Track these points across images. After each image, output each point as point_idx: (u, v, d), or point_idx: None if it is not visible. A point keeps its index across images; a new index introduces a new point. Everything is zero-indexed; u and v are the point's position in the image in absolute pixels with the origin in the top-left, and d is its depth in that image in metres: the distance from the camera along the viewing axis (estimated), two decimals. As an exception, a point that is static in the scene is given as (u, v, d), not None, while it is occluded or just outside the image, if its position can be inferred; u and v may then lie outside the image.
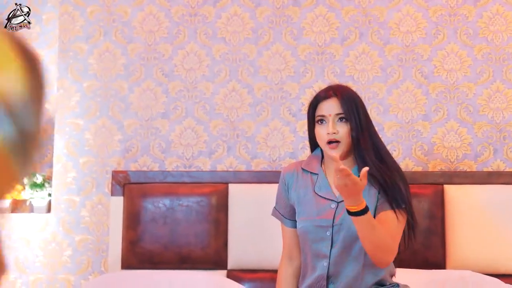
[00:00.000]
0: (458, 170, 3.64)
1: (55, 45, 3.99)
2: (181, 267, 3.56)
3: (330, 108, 2.61)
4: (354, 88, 3.66)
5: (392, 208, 2.58)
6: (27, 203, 3.88)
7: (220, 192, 3.63)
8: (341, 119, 2.60)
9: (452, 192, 3.52)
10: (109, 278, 3.42)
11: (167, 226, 3.61)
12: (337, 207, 2.62)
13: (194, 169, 3.78)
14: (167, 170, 3.77)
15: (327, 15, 3.80)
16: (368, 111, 3.51)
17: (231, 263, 3.59)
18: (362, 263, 2.61)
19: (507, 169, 3.63)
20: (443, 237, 3.50)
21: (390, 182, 2.61)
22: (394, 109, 3.72)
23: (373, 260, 2.55)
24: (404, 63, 3.74)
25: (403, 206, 2.61)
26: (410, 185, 3.46)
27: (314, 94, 3.65)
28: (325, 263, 2.61)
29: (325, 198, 2.66)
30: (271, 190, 3.52)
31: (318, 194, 2.68)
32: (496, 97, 3.67)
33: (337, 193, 2.63)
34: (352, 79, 3.75)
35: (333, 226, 2.61)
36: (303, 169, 2.75)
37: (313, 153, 2.77)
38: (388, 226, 2.55)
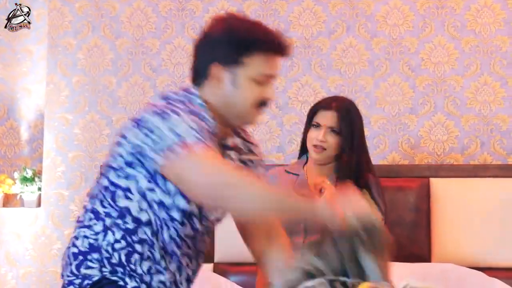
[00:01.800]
0: (445, 163, 3.63)
1: (45, 41, 4.01)
2: (168, 260, 3.58)
3: (328, 119, 2.71)
4: (340, 82, 3.71)
5: None
6: (18, 197, 3.92)
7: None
8: (333, 131, 2.70)
9: (438, 185, 3.52)
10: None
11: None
12: None
13: (181, 163, 3.79)
14: (154, 164, 3.79)
15: (314, 8, 3.80)
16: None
17: (218, 256, 3.61)
18: None
19: (494, 162, 3.62)
20: (429, 231, 3.49)
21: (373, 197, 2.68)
22: (381, 102, 3.72)
23: None
24: (391, 56, 3.74)
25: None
26: (395, 179, 3.52)
27: (301, 87, 3.70)
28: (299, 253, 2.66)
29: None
30: (258, 184, 3.55)
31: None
32: (483, 90, 3.66)
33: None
34: (339, 73, 3.75)
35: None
36: (286, 171, 2.87)
37: (300, 158, 2.88)
38: None
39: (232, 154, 2.07)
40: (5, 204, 3.95)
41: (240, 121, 2.02)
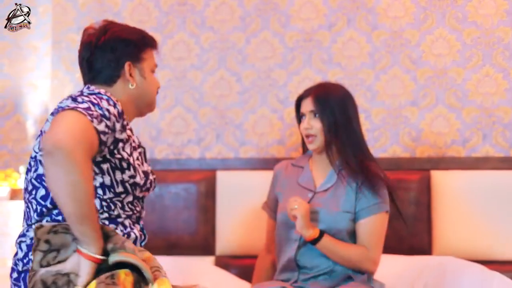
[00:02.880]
0: (446, 156, 3.62)
1: (50, 37, 4.05)
2: (170, 253, 3.61)
3: (306, 105, 2.79)
4: (341, 75, 3.71)
5: (369, 215, 2.66)
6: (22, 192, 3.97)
7: (208, 180, 3.67)
8: (315, 115, 2.75)
9: (439, 178, 3.51)
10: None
11: (156, 213, 3.67)
12: (313, 196, 2.73)
13: (183, 157, 3.83)
14: (156, 158, 3.82)
15: (314, 1, 3.80)
16: (356, 98, 3.52)
17: (219, 250, 3.64)
18: None
19: (496, 155, 3.59)
20: (429, 224, 3.49)
21: (366, 188, 2.68)
22: (382, 96, 3.71)
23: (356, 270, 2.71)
24: (392, 49, 3.72)
25: (382, 211, 2.67)
26: (396, 172, 3.52)
27: (301, 81, 3.73)
28: (294, 246, 2.71)
29: (304, 187, 2.81)
30: (258, 177, 3.58)
31: (299, 184, 2.85)
32: (485, 82, 3.64)
33: (318, 184, 2.75)
34: (339, 66, 3.75)
35: None
36: (292, 164, 2.94)
37: (306, 153, 2.95)
38: (365, 237, 2.70)
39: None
40: (12, 198, 4.00)
41: (149, 108, 2.43)
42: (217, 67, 3.85)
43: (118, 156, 2.15)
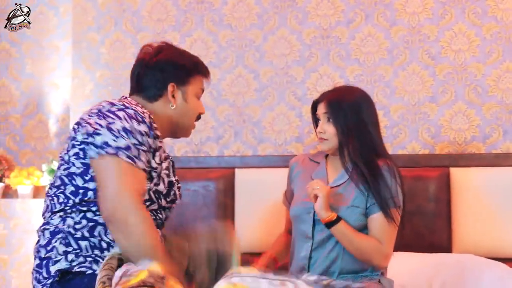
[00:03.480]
0: (466, 152, 3.58)
1: (71, 37, 4.10)
2: (189, 250, 3.63)
3: (321, 109, 2.81)
4: (359, 72, 3.69)
5: (381, 210, 2.65)
6: (46, 188, 4.02)
7: (227, 177, 3.68)
8: (328, 119, 2.76)
9: (458, 175, 3.47)
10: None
11: (175, 211, 3.66)
12: None
13: (202, 155, 3.84)
14: (175, 155, 3.84)
15: (332, -2, 3.79)
16: (374, 94, 3.52)
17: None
18: (342, 248, 2.66)
19: (517, 151, 3.55)
20: (449, 221, 3.45)
21: (373, 185, 2.67)
22: (401, 92, 3.69)
23: (367, 264, 2.70)
24: (410, 45, 3.69)
25: (393, 207, 2.66)
26: (415, 169, 3.49)
27: (319, 78, 3.72)
28: (309, 244, 2.71)
29: None
30: (277, 175, 3.57)
31: (313, 179, 2.83)
32: (505, 77, 3.59)
33: (331, 180, 2.75)
34: (357, 62, 3.73)
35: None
36: (309, 158, 2.96)
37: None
38: (377, 231, 2.68)
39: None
40: (34, 196, 4.06)
41: (184, 132, 2.52)
42: (235, 65, 3.86)
43: (147, 164, 2.22)
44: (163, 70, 2.40)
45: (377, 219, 2.67)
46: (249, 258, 3.58)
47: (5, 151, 4.15)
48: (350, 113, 2.72)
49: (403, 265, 3.22)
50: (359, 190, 2.70)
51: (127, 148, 2.14)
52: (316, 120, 2.86)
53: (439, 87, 3.65)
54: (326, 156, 2.88)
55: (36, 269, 2.21)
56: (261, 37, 3.84)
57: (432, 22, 3.68)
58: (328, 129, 2.74)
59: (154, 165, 2.24)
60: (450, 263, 3.17)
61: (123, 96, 2.42)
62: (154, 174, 2.25)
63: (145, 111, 2.28)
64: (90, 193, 2.19)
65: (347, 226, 2.64)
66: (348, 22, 3.77)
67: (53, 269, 2.15)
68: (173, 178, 2.38)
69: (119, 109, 2.20)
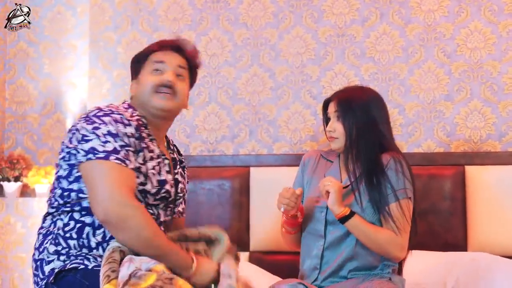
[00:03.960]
0: (481, 150, 3.57)
1: (88, 36, 4.13)
2: (205, 249, 3.65)
3: (331, 108, 2.82)
4: (374, 70, 3.69)
5: (391, 203, 2.65)
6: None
7: (242, 176, 3.69)
8: (338, 118, 2.77)
9: (474, 173, 3.46)
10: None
11: (190, 209, 3.68)
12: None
13: (217, 153, 3.86)
14: (191, 154, 3.86)
15: (347, -4, 3.79)
16: (389, 92, 3.52)
17: (253, 245, 3.66)
18: (354, 246, 2.66)
19: (533, 149, 3.53)
20: (464, 219, 3.44)
21: (381, 179, 2.69)
22: (416, 90, 3.68)
23: (384, 256, 2.70)
24: (426, 43, 3.69)
25: (404, 197, 2.65)
26: (430, 167, 3.49)
27: (335, 76, 3.72)
28: (321, 243, 2.71)
29: None
30: (292, 173, 3.56)
31: None
32: (522, 75, 3.58)
33: (344, 179, 2.75)
34: (373, 61, 3.73)
35: (327, 208, 2.73)
36: (322, 156, 2.95)
37: None
38: (389, 225, 2.67)
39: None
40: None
41: (150, 106, 2.40)
42: (250, 63, 3.87)
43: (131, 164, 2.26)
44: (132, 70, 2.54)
45: (391, 210, 2.67)
46: (263, 257, 3.62)
47: (23, 150, 4.19)
48: (359, 112, 2.73)
49: (418, 264, 3.22)
50: (366, 185, 2.70)
51: (115, 151, 2.18)
52: (327, 120, 2.86)
53: (454, 85, 3.63)
54: (339, 154, 2.89)
55: (34, 272, 2.28)
56: (276, 36, 3.85)
57: (448, 20, 3.67)
58: (337, 127, 2.75)
59: (136, 165, 2.27)
60: (465, 261, 3.16)
61: (125, 100, 2.49)
62: (137, 173, 2.27)
63: (135, 114, 2.35)
64: (73, 194, 2.24)
65: (361, 220, 2.64)
66: (363, 21, 3.77)
67: (46, 269, 2.21)
68: (165, 177, 2.40)
69: (105, 114, 2.25)
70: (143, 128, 2.34)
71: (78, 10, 4.20)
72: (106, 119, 2.23)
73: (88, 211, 2.22)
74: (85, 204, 2.23)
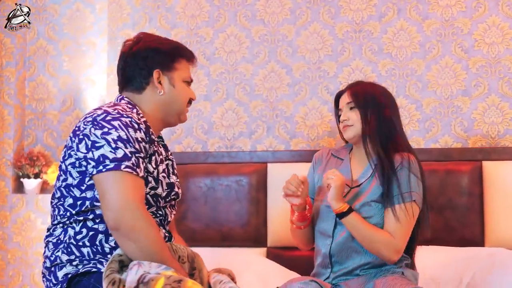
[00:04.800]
0: (499, 146, 3.56)
1: (106, 33, 4.16)
2: (222, 244, 3.67)
3: (343, 100, 2.82)
4: (391, 66, 3.69)
5: (396, 204, 2.63)
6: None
7: (259, 172, 3.71)
8: (351, 108, 2.76)
9: (491, 168, 3.45)
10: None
11: (208, 205, 3.73)
12: (348, 191, 2.72)
13: (235, 150, 3.88)
14: (209, 151, 3.89)
15: (364, -8, 3.79)
16: (406, 88, 3.53)
17: (271, 241, 3.67)
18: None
19: (551, 144, 3.52)
20: (482, 215, 3.43)
21: (390, 178, 2.65)
22: (433, 85, 3.67)
23: (377, 256, 2.68)
24: (443, 38, 3.68)
25: (409, 200, 2.63)
26: (447, 162, 3.48)
27: (352, 72, 3.73)
28: (328, 242, 2.71)
29: None
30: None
31: None
32: (540, 70, 3.56)
33: (355, 177, 2.75)
34: (390, 56, 3.73)
35: None
36: (332, 154, 2.94)
37: (346, 145, 2.95)
38: (390, 225, 2.65)
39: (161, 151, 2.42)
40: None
41: (177, 118, 2.46)
42: (268, 60, 3.89)
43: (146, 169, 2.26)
44: (145, 58, 2.39)
45: (390, 212, 2.66)
46: (281, 252, 3.63)
47: (43, 147, 4.23)
48: (371, 101, 2.73)
49: (434, 259, 3.22)
50: (378, 183, 2.70)
51: (126, 158, 2.16)
52: (338, 115, 2.85)
53: (472, 81, 3.63)
54: (350, 151, 2.88)
55: (46, 277, 2.28)
56: (293, 32, 3.86)
57: (465, 15, 3.66)
58: (351, 115, 2.74)
59: (150, 169, 2.27)
60: (481, 257, 3.15)
61: (119, 95, 2.44)
62: (150, 178, 2.27)
63: (140, 116, 2.31)
64: (87, 203, 2.22)
65: (358, 218, 2.62)
66: (380, 16, 3.77)
67: (60, 274, 2.21)
68: (173, 179, 2.42)
69: (114, 118, 2.21)
70: (151, 130, 2.33)
71: (97, 8, 4.23)
72: (115, 123, 2.19)
73: (102, 219, 2.20)
74: (98, 211, 2.21)
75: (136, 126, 2.23)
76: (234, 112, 3.91)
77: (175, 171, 2.52)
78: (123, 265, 2.11)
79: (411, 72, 3.70)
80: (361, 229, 2.62)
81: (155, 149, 2.32)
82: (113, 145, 2.15)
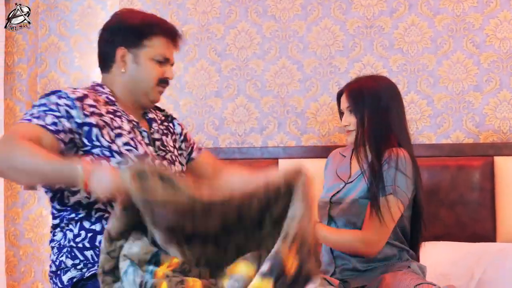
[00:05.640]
0: (510, 141, 3.55)
1: (118, 29, 4.18)
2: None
3: (343, 102, 2.85)
4: (403, 61, 3.69)
5: (374, 199, 2.62)
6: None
7: (270, 168, 3.71)
8: (350, 111, 2.79)
9: (503, 164, 3.45)
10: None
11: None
12: (343, 187, 2.75)
13: (246, 146, 3.89)
14: (220, 147, 3.90)
15: (375, -13, 3.79)
16: (418, 83, 3.53)
17: (282, 236, 3.67)
18: None
19: None
20: (493, 210, 3.43)
21: (375, 173, 2.65)
22: (445, 81, 3.67)
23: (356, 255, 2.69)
24: (454, 33, 3.67)
25: (385, 194, 2.61)
26: (459, 158, 3.48)
27: (363, 67, 3.73)
28: None
29: (339, 177, 2.86)
30: (320, 165, 3.58)
31: (337, 174, 2.90)
32: (552, 65, 3.55)
33: (353, 173, 2.77)
34: (401, 52, 3.73)
35: (330, 203, 2.79)
36: (340, 152, 3.02)
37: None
38: (365, 219, 2.66)
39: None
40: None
41: (146, 98, 2.33)
42: (279, 56, 3.89)
43: (97, 143, 2.15)
44: (113, 34, 2.31)
45: (366, 207, 2.67)
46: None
47: (55, 142, 4.25)
48: (369, 101, 2.72)
49: (446, 254, 3.22)
50: (361, 185, 2.72)
51: (30, 113, 2.10)
52: (341, 113, 2.90)
53: (483, 76, 3.62)
54: (353, 149, 2.89)
55: (52, 280, 2.28)
56: (304, 28, 3.87)
57: (477, 10, 3.65)
58: (351, 120, 2.77)
59: (104, 143, 2.15)
60: (492, 252, 3.15)
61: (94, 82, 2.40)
62: (106, 152, 2.15)
63: (85, 91, 2.23)
64: (66, 194, 2.22)
65: (323, 227, 2.68)
66: (392, 12, 3.76)
67: (65, 278, 2.20)
68: (146, 149, 2.26)
69: (53, 93, 2.19)
70: (108, 105, 2.23)
71: (108, 4, 4.24)
72: (49, 96, 2.18)
73: (97, 218, 2.18)
74: (92, 211, 2.19)
75: (63, 95, 2.16)
76: (245, 108, 3.92)
77: (159, 136, 2.40)
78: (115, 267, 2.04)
79: (422, 68, 3.69)
80: (328, 237, 2.65)
81: (112, 119, 2.21)
82: (31, 110, 2.13)
